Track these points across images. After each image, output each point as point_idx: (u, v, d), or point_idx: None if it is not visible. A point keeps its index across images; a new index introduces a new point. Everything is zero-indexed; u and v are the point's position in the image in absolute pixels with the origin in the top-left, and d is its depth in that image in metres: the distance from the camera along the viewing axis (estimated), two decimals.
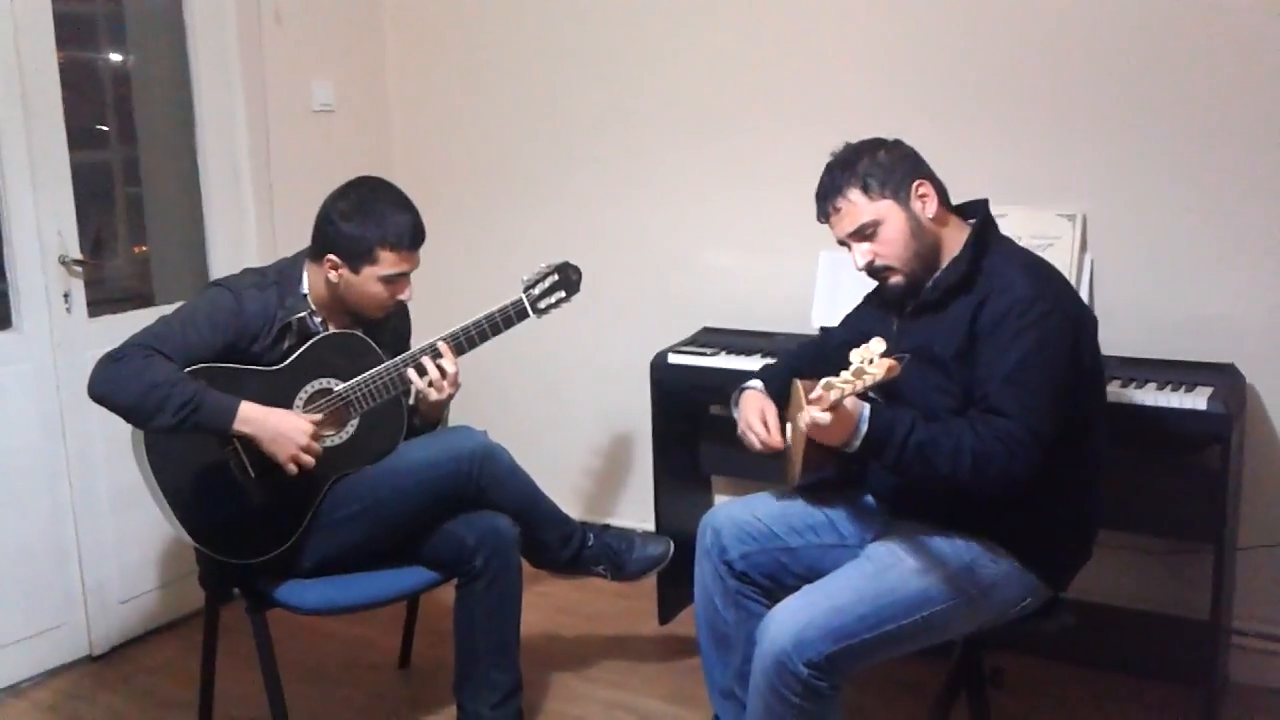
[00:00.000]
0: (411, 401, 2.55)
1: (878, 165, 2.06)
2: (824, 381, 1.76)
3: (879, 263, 2.08)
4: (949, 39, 2.91)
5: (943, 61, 2.93)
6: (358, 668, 3.02)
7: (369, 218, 2.36)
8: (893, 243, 2.06)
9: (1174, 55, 2.66)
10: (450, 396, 2.47)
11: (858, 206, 2.06)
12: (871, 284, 2.24)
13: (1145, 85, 2.70)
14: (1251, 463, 2.68)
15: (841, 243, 2.14)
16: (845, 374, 1.74)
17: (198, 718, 2.65)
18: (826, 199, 2.10)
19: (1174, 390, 2.46)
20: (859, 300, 2.38)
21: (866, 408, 1.88)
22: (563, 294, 2.54)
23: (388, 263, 2.37)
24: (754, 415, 2.22)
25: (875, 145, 2.10)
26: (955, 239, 2.09)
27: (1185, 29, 2.64)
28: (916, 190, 2.07)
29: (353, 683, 2.94)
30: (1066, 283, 2.11)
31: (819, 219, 2.15)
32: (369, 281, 2.39)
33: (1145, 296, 2.75)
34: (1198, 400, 2.40)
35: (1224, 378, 2.55)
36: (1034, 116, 2.83)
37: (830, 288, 2.91)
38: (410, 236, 2.39)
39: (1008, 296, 1.97)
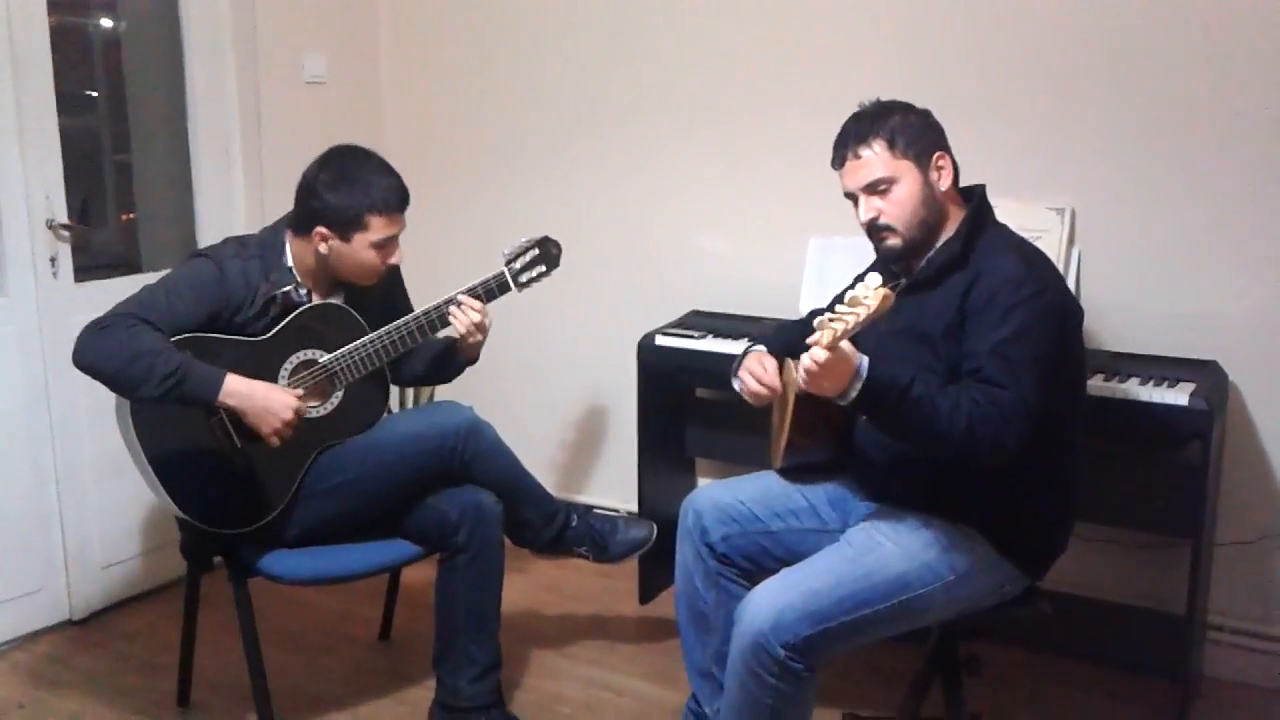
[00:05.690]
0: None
1: (908, 125, 2.08)
2: (818, 320, 1.77)
3: (883, 220, 2.08)
4: (942, 31, 2.91)
5: (935, 53, 2.92)
6: (338, 639, 3.03)
7: (354, 185, 2.36)
8: (902, 204, 2.07)
9: (1165, 53, 2.66)
10: (481, 341, 2.51)
11: (879, 159, 2.07)
12: (859, 267, 2.24)
13: (1137, 81, 2.70)
14: (1231, 460, 2.70)
15: (848, 195, 2.13)
16: (840, 307, 1.75)
17: (177, 684, 2.66)
18: (848, 145, 2.10)
19: (1156, 385, 2.47)
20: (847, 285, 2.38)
21: (865, 359, 1.87)
22: (543, 268, 2.54)
23: (378, 228, 2.38)
24: (755, 363, 2.24)
25: (907, 107, 2.12)
26: (954, 219, 2.11)
27: (1177, 28, 2.64)
28: (936, 161, 2.09)
29: (333, 653, 2.95)
30: (1056, 270, 2.12)
31: (833, 165, 2.14)
32: (360, 249, 2.39)
33: (1131, 292, 2.76)
34: (1180, 396, 2.42)
35: (1206, 374, 2.57)
36: (1025, 110, 2.83)
37: (818, 274, 2.92)
38: (397, 198, 2.40)
39: (999, 275, 1.98)
